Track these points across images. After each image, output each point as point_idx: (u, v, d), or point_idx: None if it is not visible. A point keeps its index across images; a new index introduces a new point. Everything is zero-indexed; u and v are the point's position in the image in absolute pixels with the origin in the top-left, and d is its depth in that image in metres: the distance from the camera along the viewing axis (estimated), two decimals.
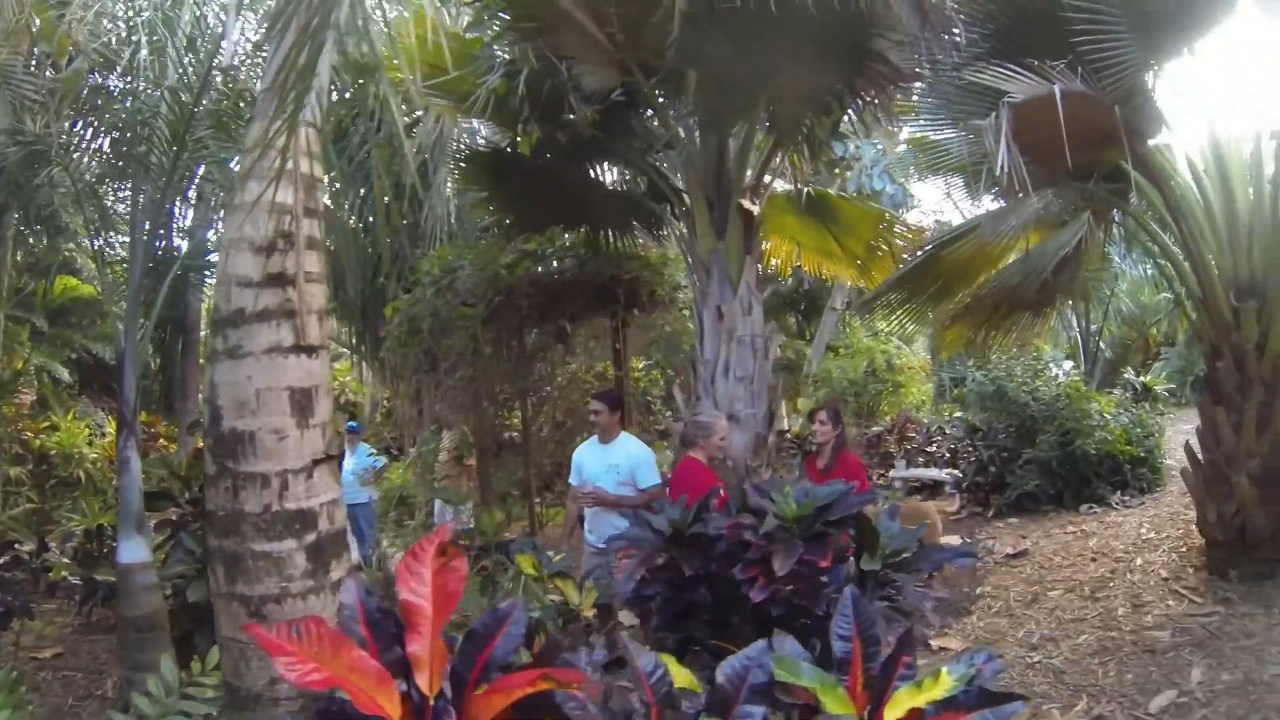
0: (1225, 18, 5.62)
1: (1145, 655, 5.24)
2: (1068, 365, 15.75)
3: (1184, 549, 6.95)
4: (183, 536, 6.29)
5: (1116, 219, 7.65)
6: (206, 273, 8.96)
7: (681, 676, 2.67)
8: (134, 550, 5.58)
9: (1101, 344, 18.80)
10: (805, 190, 8.63)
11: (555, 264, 9.33)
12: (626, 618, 5.39)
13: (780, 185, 8.81)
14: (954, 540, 8.84)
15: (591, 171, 8.53)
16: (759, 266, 7.85)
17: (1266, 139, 5.96)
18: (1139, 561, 6.98)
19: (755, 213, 7.32)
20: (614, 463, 5.93)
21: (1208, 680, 4.78)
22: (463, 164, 9.04)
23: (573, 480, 6.25)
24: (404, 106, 9.40)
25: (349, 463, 10.59)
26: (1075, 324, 17.63)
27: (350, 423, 12.26)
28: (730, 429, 6.30)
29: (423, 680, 2.43)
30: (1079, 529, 8.56)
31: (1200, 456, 6.27)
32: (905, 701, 2.53)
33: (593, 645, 2.64)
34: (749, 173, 7.45)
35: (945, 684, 2.54)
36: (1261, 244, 5.82)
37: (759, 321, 7.05)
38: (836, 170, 11.71)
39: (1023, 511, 9.63)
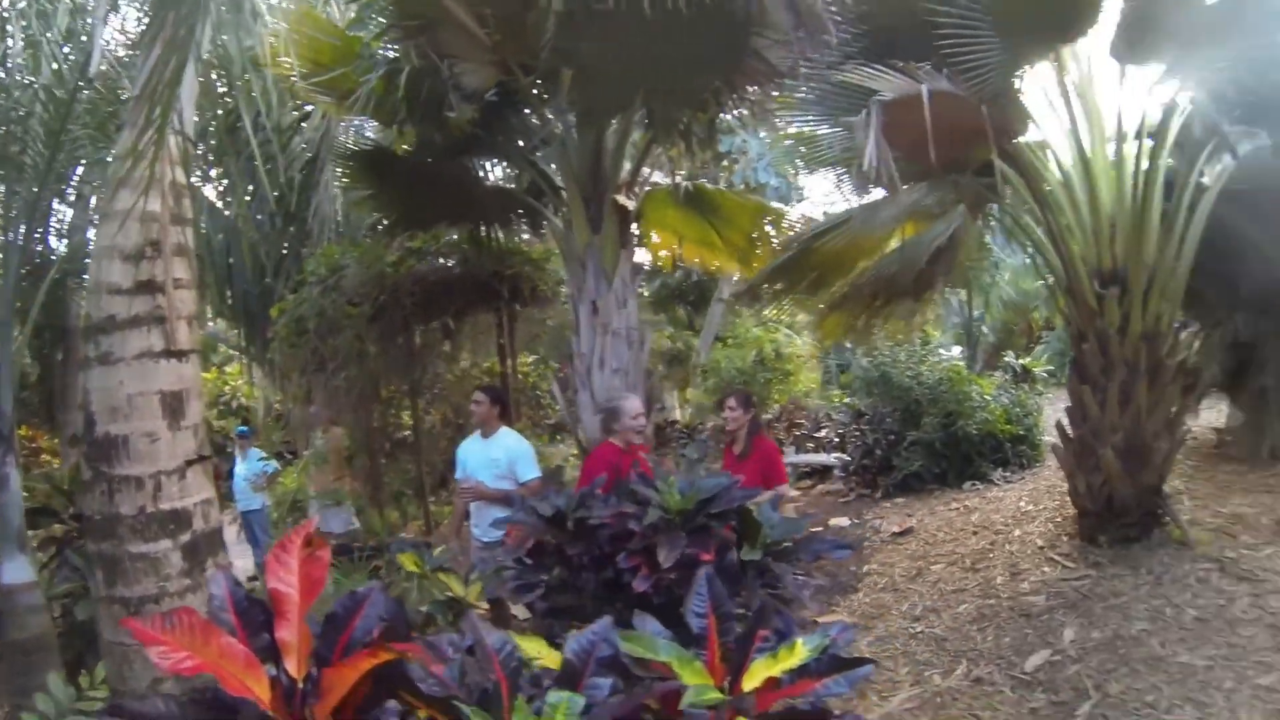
0: (1089, 26, 5.83)
1: (1021, 619, 5.47)
2: (956, 350, 16.18)
3: (1059, 519, 7.16)
4: (68, 553, 6.16)
5: (993, 211, 7.91)
6: (86, 276, 8.68)
7: (550, 658, 2.77)
8: (17, 570, 5.39)
9: (985, 329, 19.36)
10: (684, 185, 8.75)
11: (440, 261, 9.33)
12: (522, 610, 5.44)
13: (664, 179, 8.92)
14: (844, 522, 9.08)
15: (474, 169, 8.52)
16: (635, 261, 7.90)
17: (1131, 138, 6.23)
18: (1017, 533, 7.20)
19: (631, 208, 7.40)
20: (494, 457, 5.98)
21: (1079, 638, 5.03)
22: (348, 162, 8.91)
23: (458, 475, 6.28)
24: (292, 101, 9.28)
25: (241, 469, 10.38)
26: (959, 310, 18.15)
27: (241, 427, 12.02)
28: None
29: (291, 664, 2.49)
30: (962, 505, 8.75)
31: (1070, 432, 6.54)
32: (762, 672, 2.65)
33: (462, 632, 2.73)
34: (625, 168, 7.52)
35: (800, 653, 2.67)
36: (1123, 235, 6.08)
37: (634, 314, 7.15)
38: (724, 164, 11.87)
39: (909, 491, 9.80)
